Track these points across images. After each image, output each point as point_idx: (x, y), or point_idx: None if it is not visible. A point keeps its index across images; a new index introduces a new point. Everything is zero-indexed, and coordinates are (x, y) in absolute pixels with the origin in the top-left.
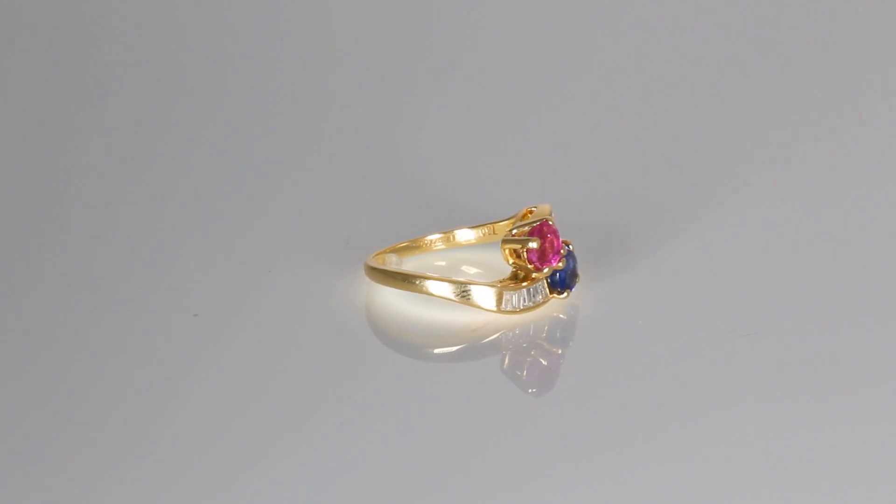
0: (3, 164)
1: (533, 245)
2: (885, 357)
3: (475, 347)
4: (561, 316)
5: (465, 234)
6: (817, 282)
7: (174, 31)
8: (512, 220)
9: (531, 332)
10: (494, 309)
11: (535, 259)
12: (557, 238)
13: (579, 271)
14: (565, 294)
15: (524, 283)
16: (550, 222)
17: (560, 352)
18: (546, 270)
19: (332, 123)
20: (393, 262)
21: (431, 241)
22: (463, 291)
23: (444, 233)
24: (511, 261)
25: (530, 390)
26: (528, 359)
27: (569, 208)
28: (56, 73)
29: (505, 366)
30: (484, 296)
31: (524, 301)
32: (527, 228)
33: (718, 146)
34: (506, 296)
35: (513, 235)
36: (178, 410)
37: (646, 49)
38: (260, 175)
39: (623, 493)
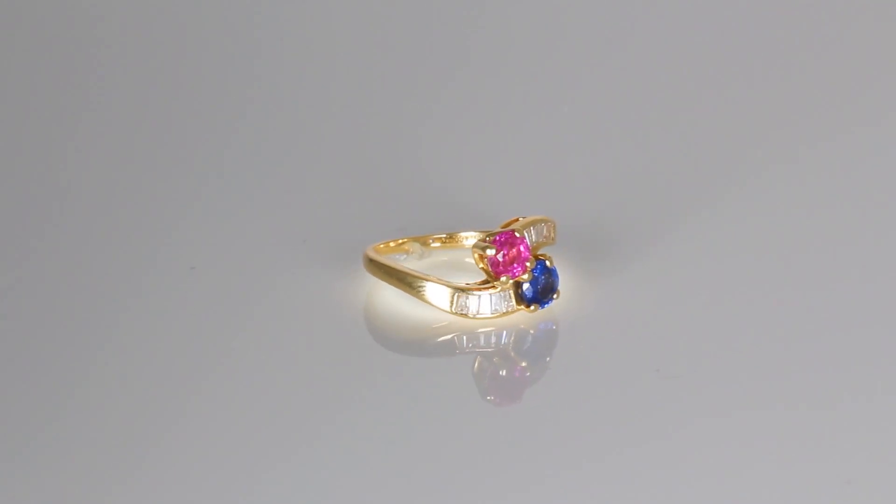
0: (10, 152)
1: (490, 252)
2: (883, 358)
3: (459, 345)
4: (531, 331)
5: (468, 238)
6: (814, 283)
7: (181, 30)
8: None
9: (503, 341)
10: (448, 309)
11: (493, 267)
12: (527, 250)
13: (560, 287)
14: (533, 308)
15: (490, 290)
16: (517, 233)
17: (524, 364)
18: (503, 279)
19: (334, 124)
20: (417, 251)
21: (437, 240)
22: (420, 286)
23: (448, 234)
24: (480, 265)
25: (488, 398)
26: (492, 366)
27: (570, 209)
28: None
29: (475, 369)
30: (437, 294)
31: (484, 307)
32: (495, 236)
33: (716, 148)
34: (460, 299)
35: (484, 241)
36: (178, 410)
37: (643, 53)
38: (262, 175)
39: (623, 492)
